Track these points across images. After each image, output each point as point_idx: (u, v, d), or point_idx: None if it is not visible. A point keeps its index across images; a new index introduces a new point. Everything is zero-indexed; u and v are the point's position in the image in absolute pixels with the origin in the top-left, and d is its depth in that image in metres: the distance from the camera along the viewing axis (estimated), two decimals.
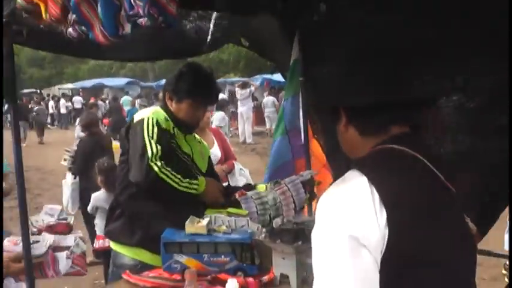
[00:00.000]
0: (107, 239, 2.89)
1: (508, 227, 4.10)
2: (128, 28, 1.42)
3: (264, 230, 1.88)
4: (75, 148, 5.28)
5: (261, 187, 2.33)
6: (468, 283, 1.13)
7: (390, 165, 1.08)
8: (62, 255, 1.98)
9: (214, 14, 2.42)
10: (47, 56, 32.11)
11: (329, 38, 2.07)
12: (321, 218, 1.03)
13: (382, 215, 0.98)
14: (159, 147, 2.06)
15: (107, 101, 21.49)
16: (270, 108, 15.05)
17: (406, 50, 1.46)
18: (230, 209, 2.07)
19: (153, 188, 2.09)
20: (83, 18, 1.49)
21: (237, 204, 2.13)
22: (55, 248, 1.98)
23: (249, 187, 2.37)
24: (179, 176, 2.08)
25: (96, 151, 4.91)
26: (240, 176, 3.77)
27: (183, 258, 1.85)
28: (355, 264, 0.97)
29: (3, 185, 2.61)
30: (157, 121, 2.14)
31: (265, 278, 1.81)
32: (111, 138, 6.27)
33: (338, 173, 1.11)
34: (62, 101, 22.77)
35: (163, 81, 4.34)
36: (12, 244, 1.92)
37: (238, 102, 15.19)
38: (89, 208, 4.23)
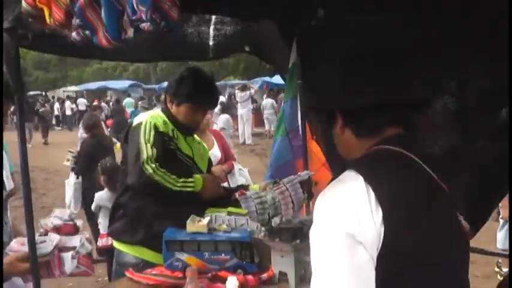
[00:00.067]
0: (110, 238, 2.93)
1: (500, 225, 4.12)
2: (130, 32, 1.43)
3: (263, 228, 1.90)
4: (78, 149, 5.34)
5: (255, 187, 2.37)
6: (462, 280, 1.15)
7: (386, 165, 1.11)
8: (67, 256, 1.98)
9: (214, 19, 2.45)
10: (52, 59, 32.23)
11: (326, 42, 2.10)
12: (318, 216, 1.05)
13: (378, 214, 1.01)
14: (154, 150, 2.09)
15: (111, 103, 21.58)
16: (269, 110, 15.13)
17: (402, 51, 1.48)
18: (230, 208, 2.09)
19: (149, 189, 2.12)
20: (87, 23, 1.50)
21: (236, 204, 2.16)
22: (61, 249, 1.99)
23: (242, 188, 2.40)
24: (174, 177, 2.10)
25: (99, 152, 4.96)
26: (240, 176, 3.81)
27: (184, 256, 1.88)
28: (351, 261, 0.99)
29: (12, 184, 2.62)
30: (154, 125, 2.17)
31: (265, 275, 1.83)
32: (113, 139, 6.32)
33: (337, 173, 1.13)
34: (67, 103, 23.00)
35: (165, 84, 4.38)
36: (20, 244, 1.92)
37: (238, 105, 15.31)
38: (92, 207, 4.27)
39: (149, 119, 2.20)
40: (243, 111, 14.64)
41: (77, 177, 5.01)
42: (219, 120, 11.06)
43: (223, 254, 1.86)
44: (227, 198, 2.26)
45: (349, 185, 1.05)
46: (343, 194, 1.04)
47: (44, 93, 28.78)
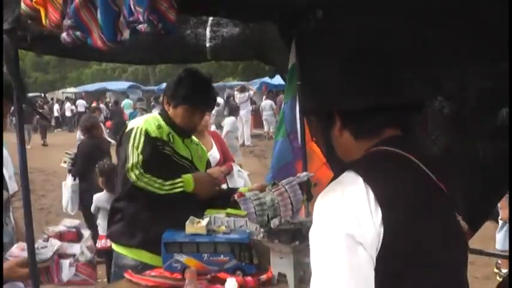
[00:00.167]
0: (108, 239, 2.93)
1: (500, 226, 4.13)
2: (126, 34, 1.41)
3: (262, 230, 1.90)
4: (76, 151, 5.34)
5: (243, 189, 2.37)
6: (461, 281, 1.16)
7: (384, 166, 1.11)
8: (66, 263, 1.97)
9: (210, 21, 2.44)
10: (51, 60, 32.28)
11: (325, 42, 2.10)
12: (318, 217, 1.06)
13: (378, 214, 1.01)
14: (140, 156, 2.10)
15: (110, 105, 21.61)
16: (268, 111, 15.17)
17: (400, 53, 1.48)
18: (229, 210, 2.09)
19: (135, 195, 2.15)
20: (81, 23, 1.48)
21: (235, 205, 2.16)
22: (61, 255, 1.97)
23: (232, 190, 2.43)
24: (160, 181, 2.10)
25: (96, 153, 4.97)
26: (239, 178, 3.82)
27: (183, 258, 1.88)
28: (351, 262, 0.99)
29: (16, 187, 2.60)
30: (146, 130, 2.17)
31: (264, 277, 1.83)
32: (111, 141, 6.32)
33: (337, 174, 1.13)
34: (67, 104, 23.07)
35: (164, 85, 4.39)
36: (20, 250, 1.91)
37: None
38: (92, 209, 4.28)
39: (141, 124, 2.20)
40: (242, 112, 14.69)
41: (74, 179, 5.01)
42: (226, 123, 10.79)
43: (222, 256, 1.86)
44: (225, 198, 2.26)
45: (349, 186, 1.06)
46: (343, 195, 1.05)
47: (43, 94, 28.76)
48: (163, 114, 2.32)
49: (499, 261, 4.03)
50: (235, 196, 2.21)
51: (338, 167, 1.18)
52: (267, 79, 17.24)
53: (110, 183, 3.92)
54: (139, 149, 2.12)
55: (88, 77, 32.85)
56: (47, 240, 1.99)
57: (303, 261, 1.70)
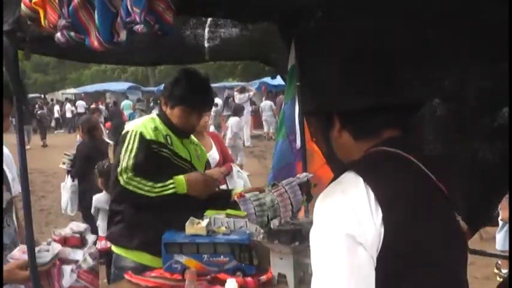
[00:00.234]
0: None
1: (500, 227, 4.13)
2: (123, 35, 1.40)
3: (262, 231, 1.91)
4: (75, 152, 5.34)
5: (235, 192, 2.37)
6: (461, 281, 1.16)
7: (384, 166, 1.11)
8: (67, 269, 1.96)
9: (208, 21, 2.44)
10: (50, 61, 32.28)
11: (325, 43, 2.10)
12: (318, 217, 1.06)
13: (378, 214, 1.01)
14: (132, 160, 2.10)
15: (110, 105, 21.63)
16: (268, 112, 15.19)
17: (400, 53, 1.48)
18: (229, 211, 2.09)
19: (125, 198, 2.17)
20: (79, 24, 1.47)
21: (235, 206, 2.16)
22: (64, 261, 1.97)
23: (226, 192, 2.44)
24: (150, 183, 2.10)
25: (95, 154, 4.97)
26: (238, 178, 3.81)
27: (183, 259, 1.88)
28: (351, 262, 0.99)
29: (19, 188, 2.59)
30: (141, 133, 2.17)
31: (264, 277, 1.83)
32: (110, 142, 6.32)
33: (338, 174, 1.13)
34: (68, 105, 23.14)
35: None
36: (21, 252, 1.91)
37: None
38: (92, 210, 4.28)
39: (136, 127, 2.20)
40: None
41: (73, 180, 5.01)
42: (231, 124, 10.65)
43: (222, 256, 1.86)
44: (225, 199, 2.25)
45: (349, 186, 1.06)
46: (343, 195, 1.05)
47: (42, 95, 28.81)
48: (161, 115, 2.31)
49: (499, 262, 4.04)
50: (235, 197, 2.21)
51: (338, 168, 1.18)
52: (266, 79, 17.26)
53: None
54: (133, 153, 2.12)
55: (88, 78, 32.85)
56: (50, 244, 1.98)
57: (302, 261, 1.70)
